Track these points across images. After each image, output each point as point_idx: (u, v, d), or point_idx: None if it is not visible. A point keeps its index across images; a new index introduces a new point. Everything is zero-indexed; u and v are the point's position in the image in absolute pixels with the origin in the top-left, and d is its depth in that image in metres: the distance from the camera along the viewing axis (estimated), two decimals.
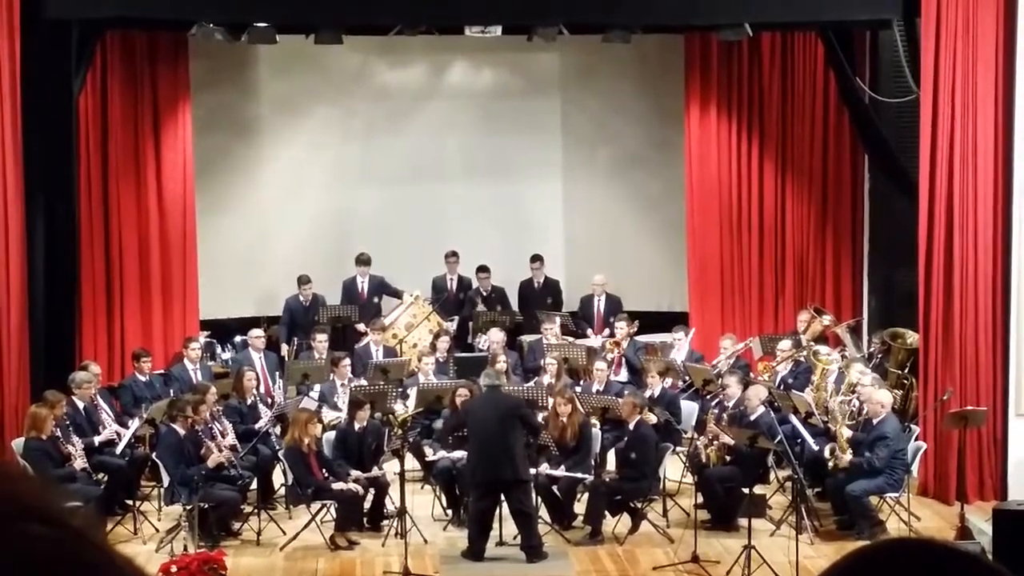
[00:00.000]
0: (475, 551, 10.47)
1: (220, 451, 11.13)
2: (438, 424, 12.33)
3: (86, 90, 13.85)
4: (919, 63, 12.24)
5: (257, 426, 12.23)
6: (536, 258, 16.15)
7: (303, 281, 15.42)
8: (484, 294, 15.89)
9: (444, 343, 14.18)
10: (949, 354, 12.03)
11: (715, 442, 11.41)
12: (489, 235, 16.57)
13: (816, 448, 11.63)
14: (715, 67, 15.43)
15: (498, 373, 11.40)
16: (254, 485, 11.64)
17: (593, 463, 11.61)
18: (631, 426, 11.35)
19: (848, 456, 11.10)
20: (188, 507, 10.72)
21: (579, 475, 11.33)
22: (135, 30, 14.24)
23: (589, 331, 15.46)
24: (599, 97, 16.68)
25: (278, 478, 11.92)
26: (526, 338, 15.10)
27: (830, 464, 11.25)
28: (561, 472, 11.31)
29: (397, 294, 15.63)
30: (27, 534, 1.10)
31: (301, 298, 15.47)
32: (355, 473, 11.29)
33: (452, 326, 15.25)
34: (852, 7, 13.08)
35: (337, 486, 11.10)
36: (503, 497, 10.62)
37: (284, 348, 14.87)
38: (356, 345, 14.54)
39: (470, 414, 10.94)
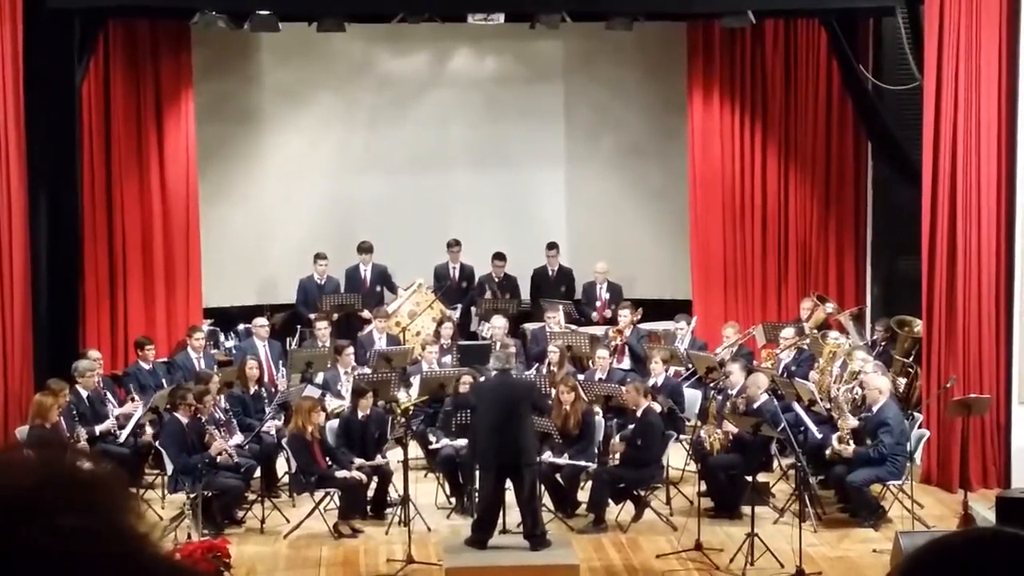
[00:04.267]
0: (480, 539, 10.43)
1: (223, 440, 11.15)
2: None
3: (88, 79, 13.86)
4: (922, 50, 12.22)
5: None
6: (552, 246, 16.11)
7: (320, 257, 15.42)
8: (497, 281, 15.86)
9: (447, 331, 14.18)
10: (952, 342, 12.03)
11: (718, 430, 11.42)
12: (492, 223, 16.54)
13: (820, 436, 11.63)
14: (718, 55, 15.40)
15: (508, 356, 11.21)
16: (257, 473, 11.66)
17: (596, 451, 11.61)
18: (639, 413, 11.35)
19: (851, 448, 11.09)
20: (192, 495, 10.72)
21: (582, 463, 11.34)
22: (137, 19, 14.24)
23: (593, 314, 15.45)
24: (602, 85, 16.65)
25: (282, 466, 11.93)
26: (529, 326, 15.09)
27: (827, 453, 11.26)
28: (564, 460, 11.32)
29: (393, 288, 15.62)
30: (58, 529, 1.08)
31: (316, 276, 15.47)
32: (358, 461, 11.30)
33: (455, 314, 15.26)
34: None
35: (340, 474, 11.12)
36: (510, 482, 10.51)
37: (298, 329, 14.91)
38: (359, 333, 14.55)
39: (480, 397, 10.79)
